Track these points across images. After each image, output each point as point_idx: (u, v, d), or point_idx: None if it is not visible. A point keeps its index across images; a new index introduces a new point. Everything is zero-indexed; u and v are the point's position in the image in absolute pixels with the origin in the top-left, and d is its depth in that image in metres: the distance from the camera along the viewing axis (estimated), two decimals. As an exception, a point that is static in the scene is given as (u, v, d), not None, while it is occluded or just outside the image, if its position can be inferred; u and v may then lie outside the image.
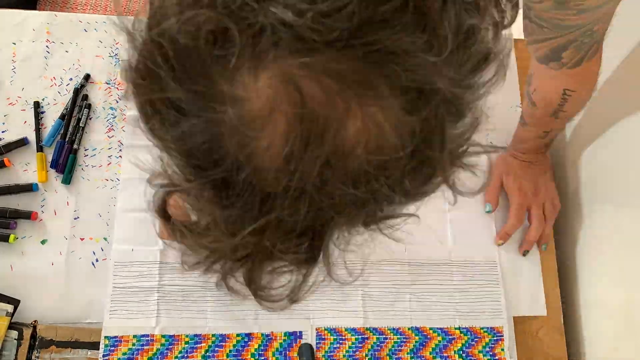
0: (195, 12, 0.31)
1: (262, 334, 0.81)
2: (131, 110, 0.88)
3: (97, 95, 0.90)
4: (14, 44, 0.90)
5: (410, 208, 0.39)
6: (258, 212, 0.33)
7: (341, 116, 0.31)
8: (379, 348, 0.83)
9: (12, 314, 0.77)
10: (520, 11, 0.39)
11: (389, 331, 0.83)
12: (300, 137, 0.31)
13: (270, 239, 0.35)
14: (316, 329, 0.82)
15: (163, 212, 0.38)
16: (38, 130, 0.86)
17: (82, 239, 0.83)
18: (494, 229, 0.90)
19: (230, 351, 0.80)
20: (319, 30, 0.30)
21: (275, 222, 0.34)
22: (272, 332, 0.81)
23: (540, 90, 0.77)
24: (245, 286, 0.38)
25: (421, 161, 0.34)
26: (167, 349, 0.79)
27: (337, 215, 0.34)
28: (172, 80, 0.32)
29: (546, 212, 0.89)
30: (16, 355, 0.75)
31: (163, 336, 0.79)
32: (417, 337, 0.84)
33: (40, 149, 0.85)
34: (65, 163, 0.85)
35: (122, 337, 0.78)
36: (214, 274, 0.39)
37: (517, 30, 0.64)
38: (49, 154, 0.86)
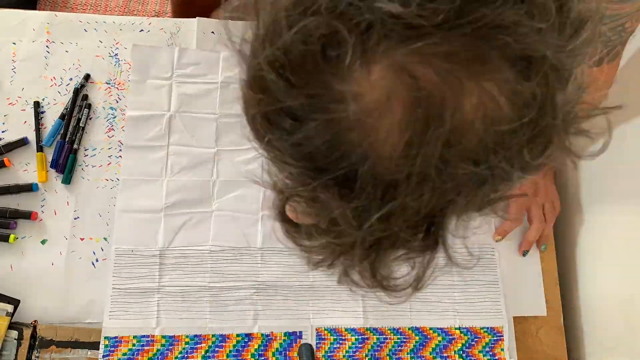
0: (305, 22, 0.32)
1: (262, 334, 0.81)
2: (131, 111, 0.88)
3: (97, 95, 0.90)
4: (14, 43, 0.90)
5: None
6: (382, 200, 0.34)
7: (457, 94, 0.32)
8: (379, 348, 0.83)
9: (12, 314, 0.77)
10: None
11: (389, 331, 0.83)
12: (419, 121, 0.32)
13: (396, 225, 0.35)
14: (316, 329, 0.82)
15: (284, 217, 0.39)
16: (38, 130, 0.86)
17: (82, 239, 0.83)
18: (493, 229, 0.90)
19: (230, 351, 0.80)
20: (426, 16, 0.30)
21: (400, 208, 0.34)
22: (272, 332, 0.81)
23: None
24: (369, 279, 0.39)
25: (536, 131, 0.34)
26: (167, 349, 0.79)
27: (457, 197, 0.35)
28: (288, 90, 0.33)
29: (546, 213, 0.89)
30: (16, 355, 0.75)
31: (163, 337, 0.79)
32: (417, 337, 0.84)
33: (40, 149, 0.85)
34: (65, 163, 0.85)
35: (122, 337, 0.78)
36: (337, 269, 0.40)
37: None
38: (49, 154, 0.86)
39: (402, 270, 0.40)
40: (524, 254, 0.89)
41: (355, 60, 0.32)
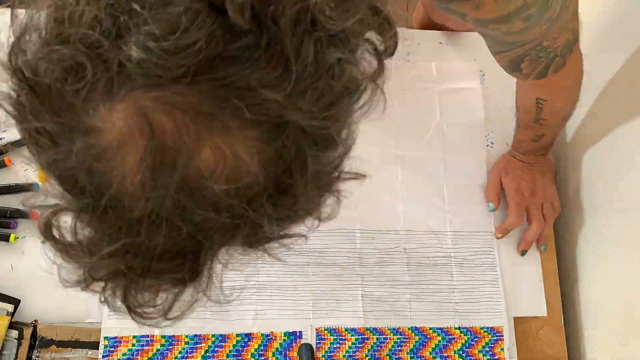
0: (51, 49, 0.32)
1: (262, 334, 0.81)
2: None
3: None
4: (15, 43, 0.90)
5: (301, 229, 0.40)
6: (118, 236, 0.35)
7: (191, 146, 0.32)
8: (379, 348, 0.83)
9: (13, 314, 0.77)
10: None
11: (389, 331, 0.83)
12: (151, 167, 0.32)
13: (130, 261, 0.36)
14: (316, 329, 0.82)
15: (48, 232, 0.39)
16: (38, 129, 0.86)
17: (82, 239, 0.83)
18: (494, 229, 0.90)
19: (230, 351, 0.80)
20: (165, 67, 0.31)
21: (137, 245, 0.35)
22: (272, 332, 0.81)
23: (518, 96, 0.81)
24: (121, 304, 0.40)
25: (282, 188, 0.35)
26: (167, 349, 0.79)
27: (206, 240, 0.36)
28: (38, 112, 0.33)
29: (545, 213, 0.89)
30: (16, 354, 0.75)
31: (163, 336, 0.79)
32: (417, 337, 0.84)
33: (40, 148, 0.85)
34: (65, 163, 0.85)
35: (121, 337, 0.78)
36: (94, 292, 0.40)
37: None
38: (50, 153, 0.86)
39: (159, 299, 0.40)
40: (523, 253, 0.89)
41: (98, 95, 0.32)
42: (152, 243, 0.35)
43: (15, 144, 0.85)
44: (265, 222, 0.36)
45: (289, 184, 0.35)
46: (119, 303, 0.39)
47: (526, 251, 0.89)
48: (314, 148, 0.35)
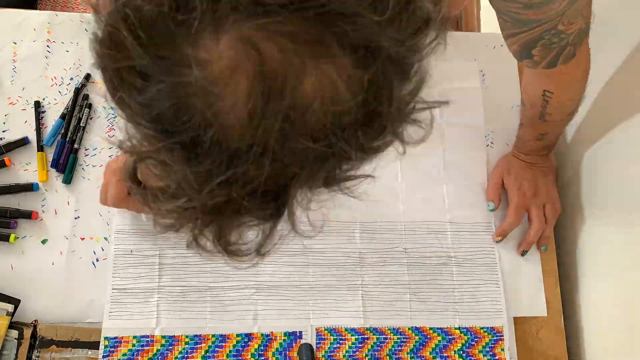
0: None
1: (262, 334, 0.81)
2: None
3: (97, 95, 0.89)
4: (15, 43, 0.90)
5: (366, 170, 0.42)
6: (225, 167, 0.36)
7: (297, 73, 0.34)
8: (379, 348, 0.83)
9: (13, 314, 0.77)
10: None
11: (389, 331, 0.83)
12: (261, 94, 0.33)
13: (237, 192, 0.37)
14: (316, 329, 0.82)
15: (134, 177, 0.40)
16: (39, 129, 0.86)
17: (82, 239, 0.83)
18: (494, 229, 0.90)
19: (230, 351, 0.80)
20: None
21: (242, 176, 0.36)
22: (272, 332, 0.81)
23: (525, 89, 0.81)
24: (215, 244, 0.41)
25: (372, 115, 0.37)
26: (167, 349, 0.79)
27: (300, 170, 0.37)
28: (137, 48, 0.34)
29: (546, 214, 0.89)
30: (16, 354, 0.75)
31: (163, 337, 0.79)
32: (417, 337, 0.84)
33: (40, 148, 0.86)
34: (65, 163, 0.85)
35: (121, 338, 0.78)
36: (185, 234, 0.41)
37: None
38: (50, 153, 0.86)
39: (249, 237, 0.42)
40: (523, 254, 0.89)
41: (204, 27, 0.33)
42: (257, 173, 0.36)
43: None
44: (352, 153, 0.37)
45: (378, 111, 0.37)
46: (209, 244, 0.41)
47: (526, 251, 0.89)
48: (398, 77, 0.37)
